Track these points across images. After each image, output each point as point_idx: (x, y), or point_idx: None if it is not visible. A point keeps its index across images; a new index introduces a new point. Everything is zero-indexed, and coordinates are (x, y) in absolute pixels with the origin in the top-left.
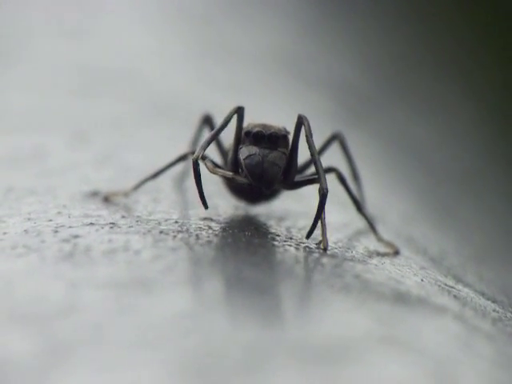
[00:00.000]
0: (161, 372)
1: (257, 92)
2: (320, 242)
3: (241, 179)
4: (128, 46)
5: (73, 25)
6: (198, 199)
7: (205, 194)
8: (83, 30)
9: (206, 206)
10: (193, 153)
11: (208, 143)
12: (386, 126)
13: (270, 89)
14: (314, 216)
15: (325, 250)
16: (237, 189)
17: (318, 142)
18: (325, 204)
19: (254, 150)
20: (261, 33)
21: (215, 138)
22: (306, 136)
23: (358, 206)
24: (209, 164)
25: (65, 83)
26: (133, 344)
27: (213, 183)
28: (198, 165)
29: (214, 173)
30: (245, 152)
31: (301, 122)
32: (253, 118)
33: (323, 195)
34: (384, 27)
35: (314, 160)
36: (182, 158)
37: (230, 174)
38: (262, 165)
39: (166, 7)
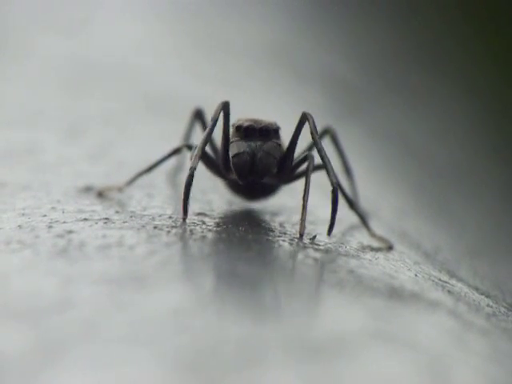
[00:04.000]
0: (154, 368)
1: (249, 86)
2: (314, 236)
3: (232, 178)
4: (120, 41)
5: (66, 21)
6: (181, 205)
7: (188, 205)
8: (76, 25)
9: (185, 214)
10: (186, 146)
11: (202, 149)
12: (378, 120)
13: (262, 83)
14: (330, 213)
15: (301, 236)
16: (232, 185)
17: (308, 137)
18: (338, 198)
19: (243, 146)
20: (252, 27)
21: (207, 142)
22: (312, 133)
23: (350, 202)
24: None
25: (58, 79)
26: (126, 340)
27: (207, 178)
28: (193, 177)
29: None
30: (234, 149)
31: (304, 119)
32: (245, 113)
33: (334, 190)
34: (376, 21)
35: (321, 157)
36: (176, 152)
37: (221, 179)
38: (251, 163)
39: (156, 2)
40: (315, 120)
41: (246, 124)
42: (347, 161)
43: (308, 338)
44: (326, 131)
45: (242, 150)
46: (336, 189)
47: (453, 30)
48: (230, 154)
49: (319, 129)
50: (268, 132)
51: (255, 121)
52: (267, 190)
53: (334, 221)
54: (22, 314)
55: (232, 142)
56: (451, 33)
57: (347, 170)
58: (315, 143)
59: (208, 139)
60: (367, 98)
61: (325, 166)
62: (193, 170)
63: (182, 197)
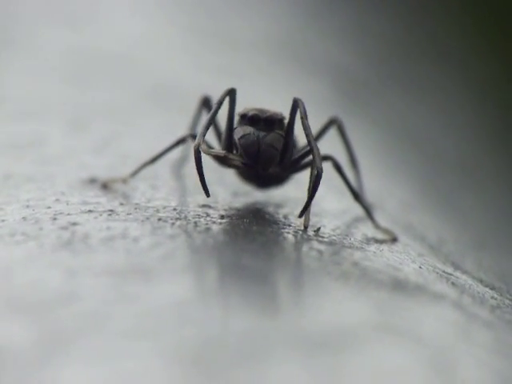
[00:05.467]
0: (158, 361)
1: (254, 78)
2: (318, 228)
3: (234, 157)
4: (125, 32)
5: (70, 12)
6: (200, 187)
7: (206, 182)
8: (80, 16)
9: (207, 193)
10: (191, 136)
11: (206, 128)
12: (384, 112)
13: (267, 74)
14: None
15: (305, 228)
16: (242, 173)
17: (315, 128)
18: (319, 185)
19: (248, 129)
20: (258, 18)
21: (212, 122)
22: (302, 118)
23: (355, 194)
24: (203, 146)
25: (62, 70)
26: (130, 332)
27: (211, 170)
28: (200, 153)
29: (208, 153)
30: (239, 132)
31: (296, 105)
32: (250, 104)
33: (317, 175)
34: (382, 12)
35: (308, 141)
36: (181, 141)
37: (222, 152)
38: (258, 145)
39: None
40: (318, 110)
41: (251, 113)
42: (353, 152)
43: (312, 331)
44: (333, 121)
45: (248, 132)
46: (320, 174)
47: (459, 24)
48: (236, 136)
49: (325, 119)
50: (273, 122)
51: (260, 110)
52: (275, 180)
53: (309, 204)
54: (25, 306)
55: (236, 127)
56: (458, 26)
57: (353, 161)
58: (304, 128)
59: (212, 120)
60: (373, 90)
61: (311, 150)
62: (197, 146)
63: (199, 178)
